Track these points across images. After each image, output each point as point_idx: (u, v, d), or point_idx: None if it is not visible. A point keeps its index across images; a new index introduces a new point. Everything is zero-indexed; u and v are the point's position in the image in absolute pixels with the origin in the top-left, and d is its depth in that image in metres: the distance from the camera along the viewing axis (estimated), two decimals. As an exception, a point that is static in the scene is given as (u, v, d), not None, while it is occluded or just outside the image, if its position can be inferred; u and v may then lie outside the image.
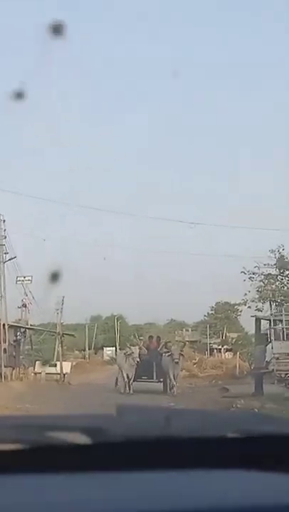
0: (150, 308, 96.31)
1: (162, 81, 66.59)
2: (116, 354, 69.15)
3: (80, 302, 72.75)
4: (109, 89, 72.80)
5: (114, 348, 69.51)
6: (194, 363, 40.25)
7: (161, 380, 19.23)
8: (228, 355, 58.84)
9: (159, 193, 77.60)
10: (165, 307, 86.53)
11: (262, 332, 34.97)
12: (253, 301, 27.90)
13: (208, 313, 77.38)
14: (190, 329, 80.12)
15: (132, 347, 19.51)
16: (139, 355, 18.67)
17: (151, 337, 22.36)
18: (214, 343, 70.05)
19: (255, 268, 28.01)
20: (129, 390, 18.81)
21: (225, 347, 66.84)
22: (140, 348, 19.31)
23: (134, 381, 19.00)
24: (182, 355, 19.15)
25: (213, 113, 71.39)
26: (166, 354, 18.72)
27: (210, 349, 65.83)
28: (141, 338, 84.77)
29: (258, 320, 34.01)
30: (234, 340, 66.55)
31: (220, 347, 68.44)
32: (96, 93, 72.98)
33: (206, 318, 77.00)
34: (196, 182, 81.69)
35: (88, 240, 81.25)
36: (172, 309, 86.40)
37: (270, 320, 31.36)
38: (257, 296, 28.12)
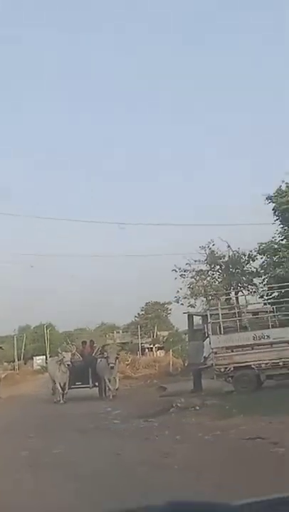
0: (80, 313, 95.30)
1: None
2: (46, 362, 67.71)
3: (7, 313, 70.69)
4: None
5: (44, 357, 67.92)
6: (127, 364, 39.64)
7: (97, 384, 18.33)
8: (160, 353, 58.88)
9: (84, 195, 76.63)
10: (95, 311, 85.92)
11: (195, 328, 34.87)
12: (185, 297, 27.53)
13: (138, 313, 77.29)
14: (121, 331, 79.72)
15: (63, 353, 18.24)
16: (72, 361, 17.65)
17: (84, 342, 21.16)
18: (146, 343, 69.97)
19: (187, 265, 27.65)
20: (63, 398, 17.71)
21: (156, 346, 66.90)
22: (73, 354, 18.29)
23: (69, 388, 17.94)
24: (118, 358, 18.30)
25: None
26: (102, 358, 17.83)
27: (142, 349, 65.65)
28: (73, 343, 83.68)
29: (190, 316, 33.77)
30: (165, 338, 66.78)
31: (151, 346, 68.41)
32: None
33: (136, 319, 76.82)
34: (122, 183, 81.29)
35: (12, 248, 79.26)
36: (102, 313, 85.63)
37: (206, 315, 31.12)
38: (189, 292, 27.76)
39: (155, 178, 76.47)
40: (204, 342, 16.87)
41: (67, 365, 17.38)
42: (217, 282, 27.80)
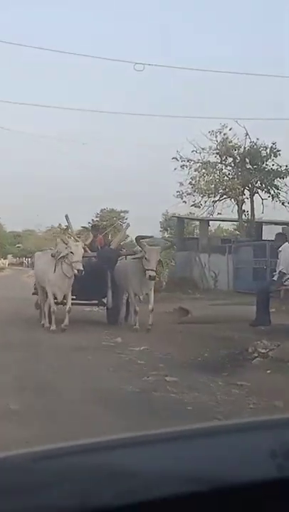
0: (29, 214, 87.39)
1: None
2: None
3: None
4: None
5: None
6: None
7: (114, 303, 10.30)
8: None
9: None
10: (46, 214, 78.50)
11: (186, 237, 28.50)
12: (190, 194, 20.89)
13: (92, 220, 70.65)
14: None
15: (72, 243, 9.92)
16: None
17: (95, 227, 12.94)
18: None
19: (193, 152, 20.82)
20: (58, 324, 9.91)
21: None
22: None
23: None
24: (161, 262, 11.21)
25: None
26: (130, 258, 10.23)
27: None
28: (18, 246, 75.11)
29: (181, 220, 27.32)
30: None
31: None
32: None
33: (90, 224, 70.30)
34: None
35: None
36: (52, 216, 78.16)
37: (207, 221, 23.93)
38: (190, 188, 21.12)
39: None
40: (281, 251, 10.24)
41: (79, 269, 9.41)
42: (228, 179, 21.21)
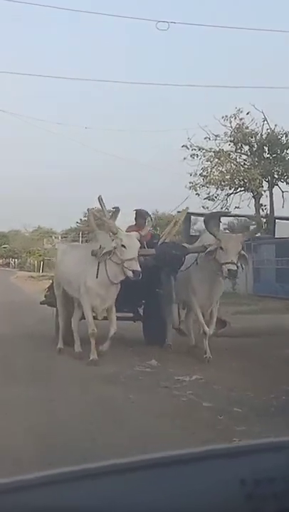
0: (15, 215, 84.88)
1: None
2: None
3: None
4: None
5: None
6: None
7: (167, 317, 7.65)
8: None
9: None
10: (32, 214, 75.83)
11: (194, 234, 26.15)
12: (202, 185, 18.64)
13: (80, 219, 68.30)
14: (60, 237, 70.63)
15: (123, 234, 6.96)
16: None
17: (140, 214, 8.29)
18: (87, 252, 61.84)
19: (205, 139, 18.59)
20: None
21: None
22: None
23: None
24: (245, 256, 7.09)
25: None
26: (196, 252, 7.24)
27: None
28: (5, 246, 71.84)
29: (188, 216, 24.97)
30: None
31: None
32: None
33: (78, 224, 67.91)
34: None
35: None
36: (39, 217, 75.74)
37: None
38: (202, 180, 18.87)
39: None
40: None
41: (136, 270, 6.54)
42: (243, 169, 19.00)
